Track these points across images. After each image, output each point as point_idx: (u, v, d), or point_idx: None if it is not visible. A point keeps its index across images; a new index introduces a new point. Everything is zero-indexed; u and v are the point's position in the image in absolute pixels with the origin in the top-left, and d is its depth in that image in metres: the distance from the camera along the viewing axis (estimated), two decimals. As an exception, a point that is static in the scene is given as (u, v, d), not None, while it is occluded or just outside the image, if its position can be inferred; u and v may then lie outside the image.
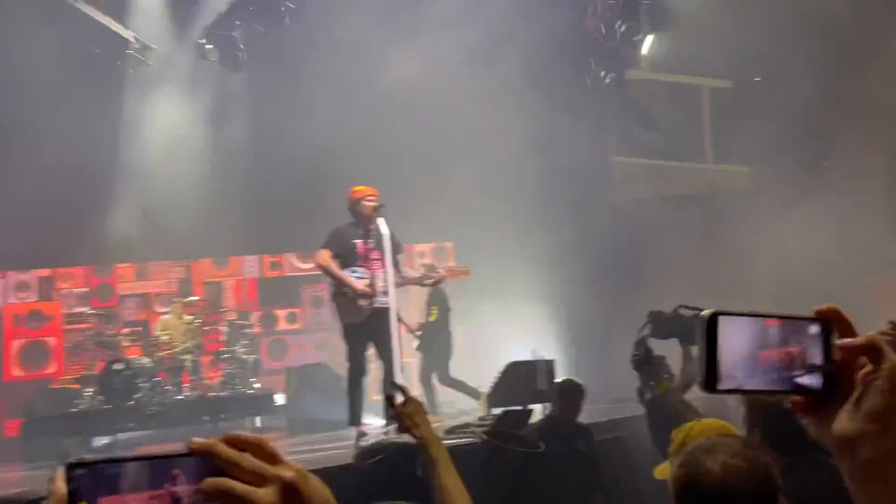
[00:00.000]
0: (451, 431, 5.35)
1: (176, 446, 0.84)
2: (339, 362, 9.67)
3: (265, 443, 0.78)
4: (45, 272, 10.40)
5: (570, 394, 5.10)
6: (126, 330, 9.73)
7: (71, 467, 0.77)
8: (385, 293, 5.79)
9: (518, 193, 9.31)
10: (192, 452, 0.75)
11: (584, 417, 5.28)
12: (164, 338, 8.75)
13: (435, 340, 8.23)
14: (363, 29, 9.47)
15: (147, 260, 10.55)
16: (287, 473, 0.78)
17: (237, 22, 10.36)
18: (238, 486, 0.75)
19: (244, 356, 8.88)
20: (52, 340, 10.20)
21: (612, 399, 7.27)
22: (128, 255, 10.37)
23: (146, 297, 10.55)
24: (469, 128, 9.28)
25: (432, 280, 6.20)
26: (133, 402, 8.18)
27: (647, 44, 10.41)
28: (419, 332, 8.20)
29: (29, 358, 10.07)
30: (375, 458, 3.50)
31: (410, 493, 2.35)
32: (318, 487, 0.80)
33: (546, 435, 4.97)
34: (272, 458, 0.78)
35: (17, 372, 9.99)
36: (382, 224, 5.83)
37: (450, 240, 10.69)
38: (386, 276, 5.78)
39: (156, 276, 10.61)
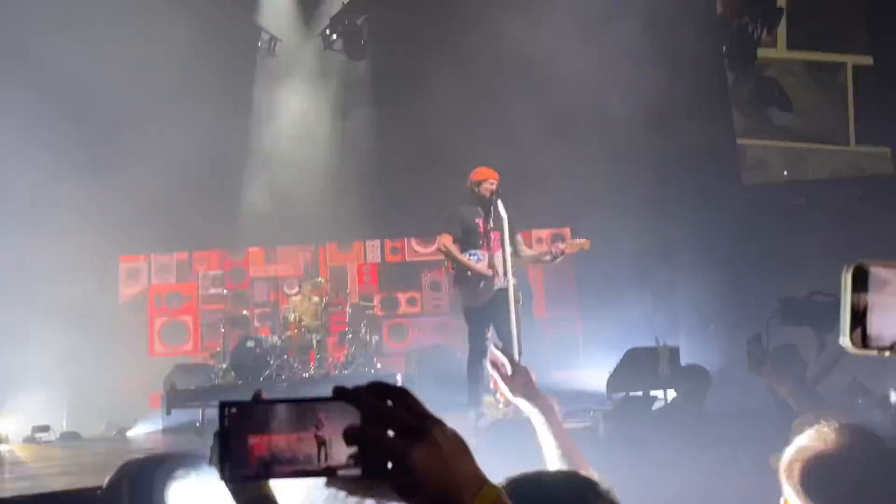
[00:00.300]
0: (570, 414, 5.32)
1: None
2: (456, 346, 9.80)
3: (408, 393, 0.80)
4: (184, 255, 11.00)
5: (695, 380, 4.96)
6: (257, 310, 10.18)
7: (224, 406, 0.81)
8: (504, 274, 5.81)
9: (639, 175, 9.05)
10: (338, 398, 0.78)
11: (711, 405, 5.12)
12: (293, 318, 9.08)
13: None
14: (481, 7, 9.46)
15: (276, 244, 10.99)
16: (426, 424, 0.79)
17: (361, 12, 10.62)
18: (378, 434, 0.77)
19: (366, 337, 9.10)
20: (188, 319, 10.80)
21: (740, 387, 7.00)
22: (259, 239, 10.83)
23: (275, 279, 11.00)
24: (588, 106, 9.07)
25: (551, 255, 6.11)
26: (263, 379, 8.56)
27: (783, 20, 9.88)
28: None
29: (169, 335, 10.71)
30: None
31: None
32: (455, 438, 0.82)
33: (669, 422, 4.85)
34: (414, 408, 0.80)
35: (159, 348, 10.66)
36: (500, 206, 5.85)
37: (566, 224, 10.55)
38: (505, 257, 5.81)
39: (284, 260, 11.04)
